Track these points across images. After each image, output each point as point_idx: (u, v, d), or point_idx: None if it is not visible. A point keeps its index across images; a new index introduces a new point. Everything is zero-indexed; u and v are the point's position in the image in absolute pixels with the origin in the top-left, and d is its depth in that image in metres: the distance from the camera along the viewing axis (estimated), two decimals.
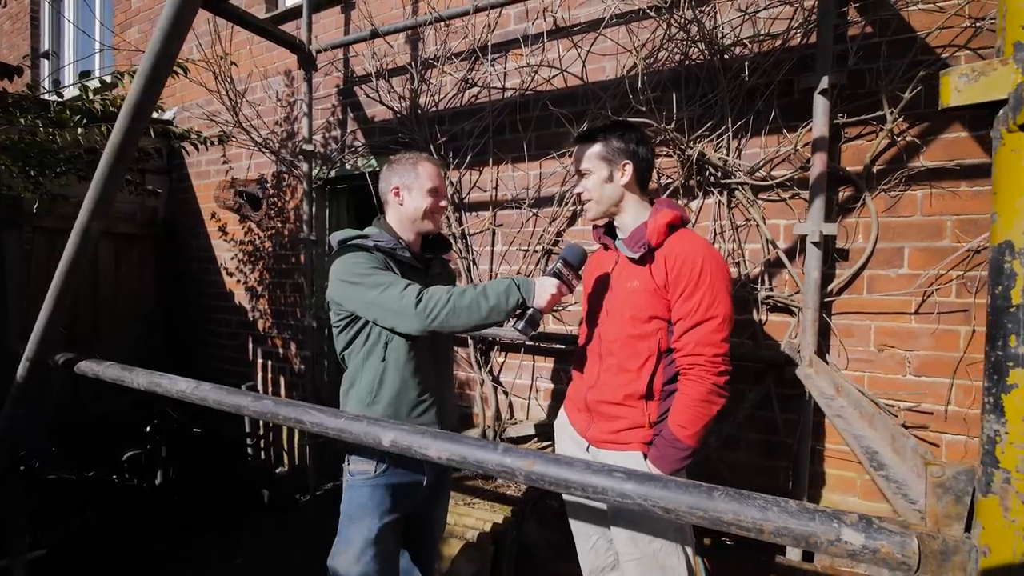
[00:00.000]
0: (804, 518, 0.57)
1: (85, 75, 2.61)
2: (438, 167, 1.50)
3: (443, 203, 1.49)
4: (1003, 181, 0.51)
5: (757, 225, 2.05)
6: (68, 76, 4.75)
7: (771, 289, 2.05)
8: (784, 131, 2.00)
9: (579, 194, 1.41)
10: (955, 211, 1.79)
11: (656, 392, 1.25)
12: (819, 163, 1.82)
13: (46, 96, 2.91)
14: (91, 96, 2.64)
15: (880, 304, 1.88)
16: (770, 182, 2.01)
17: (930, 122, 1.80)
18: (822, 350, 1.94)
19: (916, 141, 1.81)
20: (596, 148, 1.35)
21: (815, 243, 1.83)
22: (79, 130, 2.63)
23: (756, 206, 2.05)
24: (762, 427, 2.05)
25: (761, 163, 2.04)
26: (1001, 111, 0.51)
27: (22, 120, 2.48)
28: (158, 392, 1.13)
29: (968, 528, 0.54)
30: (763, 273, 2.06)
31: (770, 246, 2.04)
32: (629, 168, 1.33)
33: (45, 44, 5.39)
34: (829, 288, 1.93)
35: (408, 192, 1.45)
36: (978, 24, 1.69)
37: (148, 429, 2.76)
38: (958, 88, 0.52)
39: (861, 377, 1.92)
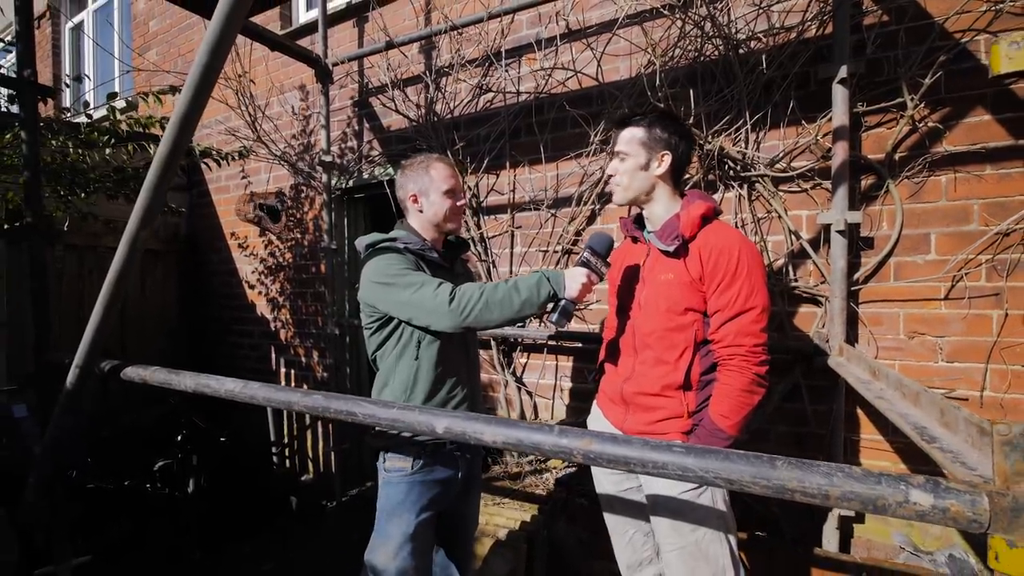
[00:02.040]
0: (870, 482, 0.58)
1: (112, 96, 2.69)
2: (451, 166, 1.49)
3: (461, 202, 1.49)
4: None
5: (779, 217, 2.06)
6: (91, 99, 4.88)
7: (795, 280, 2.05)
8: (803, 122, 2.01)
9: (610, 176, 1.39)
10: (981, 195, 1.78)
11: (694, 383, 1.25)
12: (841, 152, 1.83)
13: (73, 118, 3.00)
14: (118, 117, 2.72)
15: (908, 291, 1.87)
16: (790, 173, 2.01)
17: (952, 107, 1.80)
18: (851, 339, 1.93)
19: (938, 126, 1.81)
20: (638, 132, 1.33)
21: (840, 232, 1.83)
22: (107, 150, 2.71)
23: (777, 198, 2.06)
24: (791, 419, 2.04)
25: (781, 155, 2.04)
26: None
27: (53, 142, 2.57)
28: (206, 393, 1.16)
29: None
30: (787, 264, 2.06)
31: (793, 237, 2.04)
32: (667, 159, 1.32)
33: (66, 70, 5.55)
34: (855, 277, 1.93)
35: (425, 198, 1.46)
36: (998, 7, 1.69)
37: (179, 438, 2.80)
38: (1009, 55, 0.54)
39: (892, 364, 1.91)
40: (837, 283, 1.85)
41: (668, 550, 1.26)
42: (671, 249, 1.26)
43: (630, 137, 1.33)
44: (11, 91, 1.93)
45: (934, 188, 1.84)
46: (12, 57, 5.41)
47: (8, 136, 2.45)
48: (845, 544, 1.96)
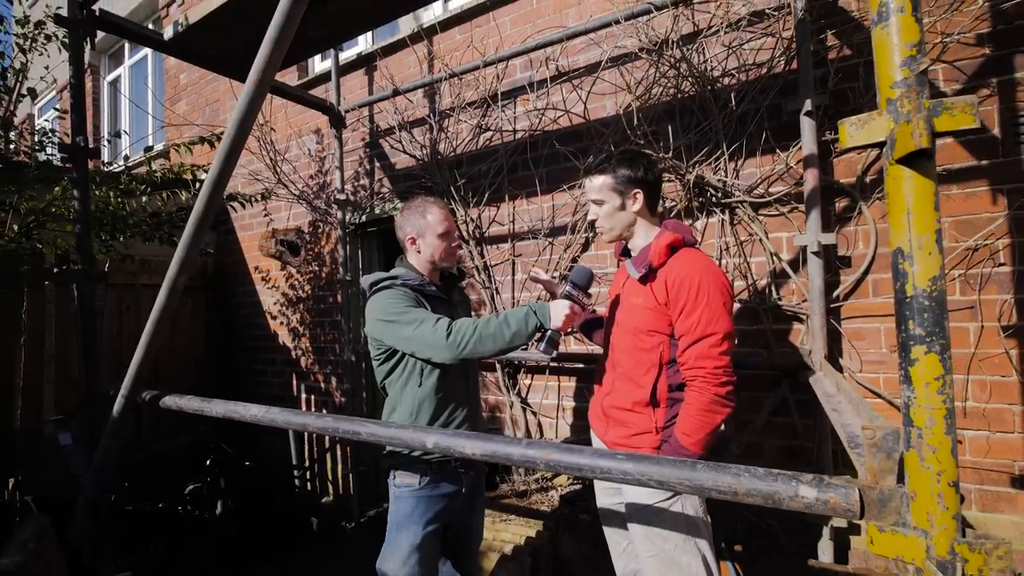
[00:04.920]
0: (769, 480, 0.70)
1: (148, 149, 2.98)
2: (445, 209, 1.64)
3: (455, 243, 1.64)
4: (891, 202, 0.66)
5: (760, 240, 2.18)
6: (128, 152, 5.27)
7: (779, 299, 2.15)
8: (777, 151, 2.14)
9: (592, 221, 1.53)
10: (949, 213, 1.88)
11: (661, 400, 1.36)
12: (811, 179, 1.95)
13: (112, 169, 3.29)
14: (153, 167, 3.00)
15: (887, 307, 1.96)
16: (768, 198, 2.14)
17: None
18: (834, 354, 2.02)
19: None
20: (606, 180, 1.46)
21: (815, 253, 1.94)
22: (144, 198, 2.98)
23: (757, 222, 2.18)
24: (783, 433, 2.12)
25: (758, 181, 2.17)
26: (883, 149, 0.66)
27: (97, 192, 2.84)
28: (234, 418, 1.32)
29: (902, 479, 0.67)
30: (770, 284, 2.17)
31: (774, 258, 2.15)
32: (640, 196, 1.44)
33: (105, 123, 6.01)
34: (835, 294, 2.03)
35: (422, 239, 1.61)
36: (948, 40, 1.82)
37: (207, 463, 2.98)
38: (851, 134, 0.68)
39: (876, 378, 1.99)
40: (816, 301, 1.95)
41: (643, 557, 1.36)
42: (639, 276, 1.39)
43: (600, 185, 1.46)
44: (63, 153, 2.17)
45: None
46: (52, 111, 5.87)
47: (57, 190, 2.73)
48: (843, 556, 2.01)
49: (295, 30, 1.05)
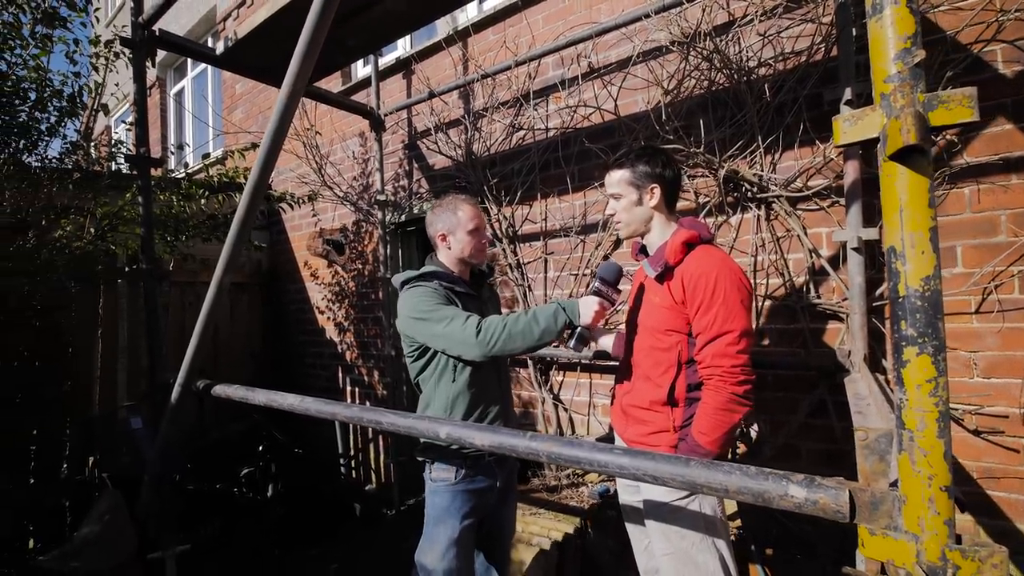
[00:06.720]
0: (760, 479, 0.71)
1: (206, 156, 3.21)
2: (475, 206, 1.67)
3: (484, 239, 1.67)
4: (884, 199, 0.64)
5: (797, 236, 2.09)
6: (190, 160, 5.69)
7: (818, 297, 2.07)
8: (816, 142, 2.05)
9: (611, 215, 1.54)
10: (1008, 205, 1.74)
11: (679, 399, 1.35)
12: (852, 171, 1.86)
13: (175, 175, 3.57)
14: (211, 172, 3.24)
15: None
16: (806, 192, 2.06)
17: None
18: (877, 355, 1.92)
19: (954, 139, 1.80)
20: (624, 174, 1.45)
21: (855, 249, 1.85)
22: (203, 201, 3.22)
23: (795, 217, 2.10)
24: (820, 436, 2.04)
25: (796, 175, 2.09)
26: (877, 146, 0.65)
27: (162, 197, 3.10)
28: (274, 406, 1.44)
29: (896, 483, 0.65)
30: (808, 282, 2.09)
31: (813, 255, 2.07)
32: (657, 191, 1.43)
33: (171, 132, 6.49)
34: (879, 292, 1.93)
35: (453, 236, 1.64)
36: (1006, 17, 1.68)
37: (260, 449, 3.20)
38: (844, 130, 0.67)
39: None
40: (856, 299, 1.87)
41: (660, 555, 1.36)
42: (656, 274, 1.38)
43: (618, 179, 1.46)
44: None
45: (957, 200, 1.82)
46: (122, 124, 6.40)
47: (128, 196, 3.01)
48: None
49: (320, 46, 1.12)
